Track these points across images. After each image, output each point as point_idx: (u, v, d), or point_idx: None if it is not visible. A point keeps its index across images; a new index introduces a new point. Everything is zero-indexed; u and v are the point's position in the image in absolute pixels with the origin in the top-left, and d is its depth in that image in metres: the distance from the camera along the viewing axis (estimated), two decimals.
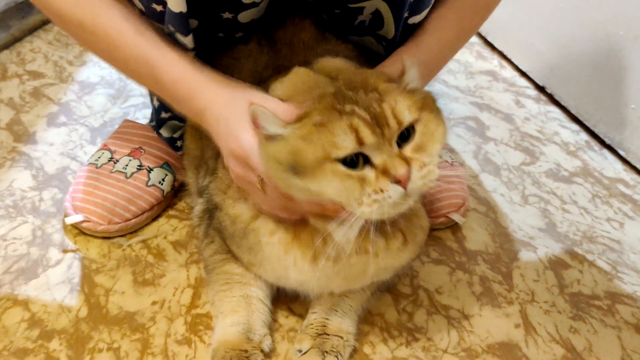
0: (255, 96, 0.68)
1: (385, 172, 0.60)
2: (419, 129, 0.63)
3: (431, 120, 0.64)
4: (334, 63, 0.71)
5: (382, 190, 0.60)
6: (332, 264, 0.71)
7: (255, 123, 0.64)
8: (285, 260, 0.73)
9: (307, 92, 0.65)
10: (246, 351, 0.74)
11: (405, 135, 0.62)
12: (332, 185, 0.61)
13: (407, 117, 0.62)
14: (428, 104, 0.66)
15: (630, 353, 0.86)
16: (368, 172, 0.61)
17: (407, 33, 0.85)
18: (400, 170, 0.59)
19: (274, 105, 0.65)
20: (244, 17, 0.79)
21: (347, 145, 0.60)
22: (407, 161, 0.61)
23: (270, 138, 0.63)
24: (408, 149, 0.62)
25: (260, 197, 0.72)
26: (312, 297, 0.82)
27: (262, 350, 0.76)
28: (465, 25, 0.86)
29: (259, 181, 0.68)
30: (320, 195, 0.62)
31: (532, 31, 1.47)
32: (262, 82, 0.76)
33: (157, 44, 0.73)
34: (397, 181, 0.60)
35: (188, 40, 0.75)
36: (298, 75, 0.67)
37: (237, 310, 0.78)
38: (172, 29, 0.74)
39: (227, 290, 0.80)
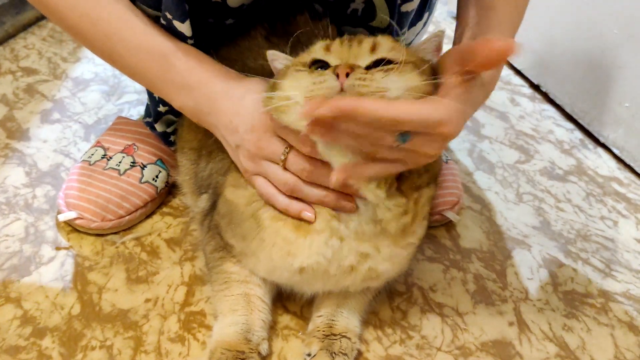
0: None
1: (334, 71, 0.62)
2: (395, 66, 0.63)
3: (410, 72, 0.63)
4: None
5: (319, 77, 0.61)
6: (339, 243, 0.70)
7: (273, 66, 0.73)
8: (293, 244, 0.71)
9: None
10: (243, 352, 0.73)
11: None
12: (294, 81, 0.65)
13: (383, 51, 0.65)
14: (421, 68, 0.65)
15: (623, 351, 0.86)
16: (322, 71, 0.64)
17: (400, 21, 0.85)
18: (342, 69, 0.60)
19: None
20: (233, 1, 0.80)
21: (316, 52, 0.68)
22: (357, 69, 0.61)
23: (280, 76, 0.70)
24: (375, 71, 0.62)
25: (273, 176, 0.71)
26: (307, 293, 0.81)
27: (259, 353, 0.75)
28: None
29: (284, 152, 0.70)
30: (287, 88, 0.65)
31: (526, 29, 1.47)
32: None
33: (166, 34, 0.76)
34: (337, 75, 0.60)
35: (185, 27, 0.76)
36: None
37: (236, 309, 0.77)
38: (169, 16, 0.74)
39: (226, 289, 0.79)
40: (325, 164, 0.68)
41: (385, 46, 0.66)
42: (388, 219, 0.71)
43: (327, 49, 0.67)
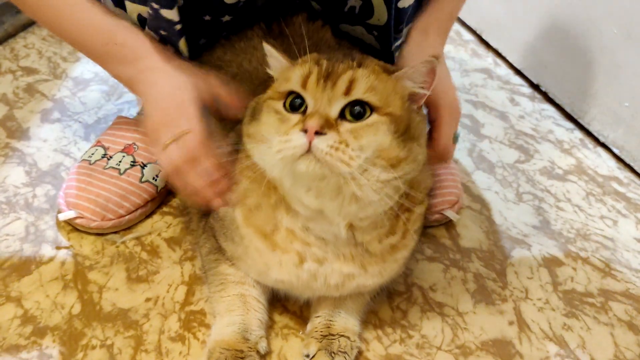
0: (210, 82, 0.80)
1: (303, 122, 0.61)
2: (373, 118, 0.63)
3: (383, 134, 0.63)
4: None
5: (287, 134, 0.61)
6: (317, 266, 0.71)
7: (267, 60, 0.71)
8: (266, 256, 0.73)
9: None
10: (242, 351, 0.73)
11: (361, 115, 0.62)
12: (267, 120, 0.66)
13: (359, 92, 0.62)
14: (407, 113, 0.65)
15: (623, 350, 0.86)
16: (293, 117, 0.63)
17: (397, 18, 0.86)
18: (311, 122, 0.59)
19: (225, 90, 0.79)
20: None
21: (293, 82, 0.65)
22: (329, 125, 0.60)
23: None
24: (346, 124, 0.62)
25: (188, 176, 0.78)
26: (300, 298, 0.81)
27: (257, 352, 0.75)
28: None
29: (180, 133, 0.76)
30: (260, 130, 0.67)
31: (526, 29, 1.48)
32: None
33: (108, 12, 0.81)
34: (305, 131, 0.60)
35: (173, 14, 0.77)
36: None
37: (233, 310, 0.77)
38: (155, 6, 0.75)
39: (222, 290, 0.79)
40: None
41: (363, 84, 0.63)
42: (368, 241, 0.71)
43: (304, 83, 0.64)
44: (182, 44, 0.85)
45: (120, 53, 0.82)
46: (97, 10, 0.80)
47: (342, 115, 0.62)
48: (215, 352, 0.73)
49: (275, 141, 0.62)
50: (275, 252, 0.72)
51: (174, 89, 0.79)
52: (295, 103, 0.64)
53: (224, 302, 0.78)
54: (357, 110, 0.62)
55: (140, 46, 0.81)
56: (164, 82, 0.80)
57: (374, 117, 0.62)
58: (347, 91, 0.62)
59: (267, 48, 0.70)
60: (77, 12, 0.80)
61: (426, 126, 0.72)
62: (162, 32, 0.83)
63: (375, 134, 0.62)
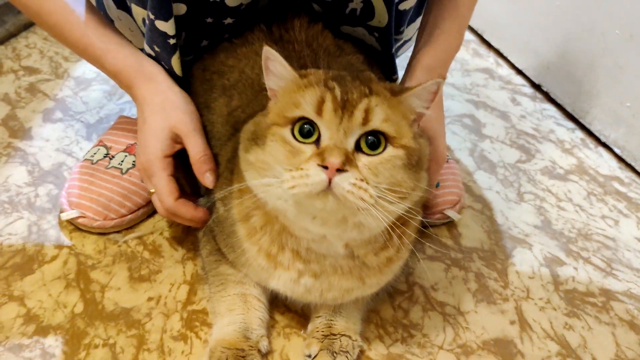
0: (177, 114, 0.81)
1: (321, 155, 0.58)
2: (389, 152, 0.61)
3: (401, 169, 0.62)
4: None
5: (302, 168, 0.58)
6: (313, 281, 0.71)
7: (266, 65, 0.66)
8: (267, 271, 0.73)
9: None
10: (243, 350, 0.73)
11: (374, 147, 0.61)
12: (274, 150, 0.61)
13: (376, 122, 0.60)
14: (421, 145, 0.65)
15: (624, 349, 0.86)
16: (307, 148, 0.60)
17: (398, 19, 0.86)
18: (332, 159, 0.57)
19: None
20: (232, 0, 0.81)
21: (304, 108, 0.60)
22: (349, 161, 0.58)
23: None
24: (363, 158, 0.60)
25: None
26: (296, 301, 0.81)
27: (259, 351, 0.75)
28: (464, 13, 0.90)
29: (150, 193, 0.83)
30: (266, 161, 0.63)
31: (528, 29, 1.48)
32: None
33: (102, 34, 0.82)
34: (325, 168, 0.57)
35: (169, 27, 0.78)
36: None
37: (233, 309, 0.78)
38: (151, 16, 0.76)
39: (222, 290, 0.80)
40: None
41: (379, 114, 0.60)
42: (364, 254, 0.70)
43: (319, 110, 0.60)
44: (174, 61, 0.84)
45: (113, 78, 0.86)
46: (89, 31, 0.82)
47: (356, 146, 0.60)
48: (217, 351, 0.73)
49: (287, 175, 0.59)
50: (277, 270, 0.72)
51: (153, 139, 0.81)
52: (304, 129, 0.61)
53: (224, 302, 0.79)
54: (371, 140, 0.60)
55: (128, 73, 0.83)
56: (150, 122, 0.82)
57: (391, 151, 0.61)
58: (364, 122, 0.60)
59: (271, 52, 0.65)
60: (72, 33, 0.82)
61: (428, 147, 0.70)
62: (156, 48, 0.83)
63: (392, 169, 0.61)
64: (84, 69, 1.32)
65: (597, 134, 1.31)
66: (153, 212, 0.98)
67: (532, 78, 1.49)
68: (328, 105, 0.60)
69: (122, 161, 0.96)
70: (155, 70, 0.84)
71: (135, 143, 0.99)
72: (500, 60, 1.57)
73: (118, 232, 0.94)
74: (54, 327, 0.79)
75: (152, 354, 0.77)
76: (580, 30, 1.32)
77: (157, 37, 0.80)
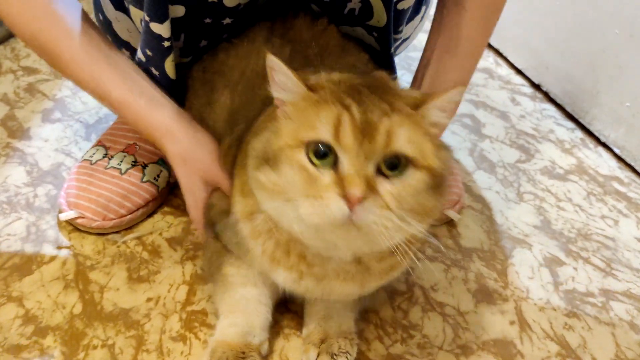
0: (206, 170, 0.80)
1: (340, 183, 0.55)
2: (413, 176, 0.58)
3: (429, 184, 0.59)
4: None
5: (322, 197, 0.55)
6: (315, 284, 0.71)
7: (271, 75, 0.61)
8: (270, 269, 0.72)
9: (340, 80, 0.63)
10: (243, 353, 0.73)
11: (395, 167, 0.57)
12: (289, 175, 0.58)
13: (399, 144, 0.56)
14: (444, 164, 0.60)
15: (624, 350, 0.86)
16: (325, 175, 0.56)
17: (397, 18, 0.85)
18: (354, 189, 0.54)
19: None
20: (230, 1, 0.80)
21: (320, 131, 0.56)
22: (371, 188, 0.55)
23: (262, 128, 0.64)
24: (385, 184, 0.57)
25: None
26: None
27: (259, 353, 0.75)
28: (488, 26, 0.88)
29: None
30: (280, 185, 0.59)
31: (527, 29, 1.47)
32: None
33: (103, 63, 0.79)
34: (346, 199, 0.54)
35: (163, 29, 0.77)
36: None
37: (235, 312, 0.77)
38: (147, 18, 0.75)
39: (225, 292, 0.79)
40: None
41: (402, 136, 0.56)
42: (369, 260, 0.70)
43: (336, 133, 0.56)
44: (168, 64, 0.84)
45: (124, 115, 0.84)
46: (96, 70, 0.79)
47: (377, 168, 0.57)
48: (218, 351, 0.73)
49: (304, 202, 0.57)
50: (279, 269, 0.71)
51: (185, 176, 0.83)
52: (320, 151, 0.57)
53: (227, 303, 0.78)
54: (393, 162, 0.57)
55: (141, 120, 0.82)
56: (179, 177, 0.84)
57: (414, 174, 0.58)
58: (386, 145, 0.56)
59: (275, 62, 0.60)
60: (80, 72, 0.80)
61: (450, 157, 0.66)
62: (148, 53, 0.83)
63: (415, 194, 0.58)
64: None
65: (596, 133, 1.31)
66: (152, 213, 0.97)
67: (531, 78, 1.49)
68: (346, 129, 0.56)
69: (121, 161, 0.96)
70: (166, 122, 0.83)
71: (134, 143, 0.99)
72: (500, 60, 1.57)
73: (117, 232, 0.93)
74: (52, 328, 0.79)
75: (151, 355, 0.77)
76: (580, 29, 1.32)
77: (151, 39, 0.79)
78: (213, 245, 0.82)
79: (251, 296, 0.78)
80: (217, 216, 0.80)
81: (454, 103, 0.61)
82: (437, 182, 0.60)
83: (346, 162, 0.56)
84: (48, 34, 0.77)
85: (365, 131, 0.56)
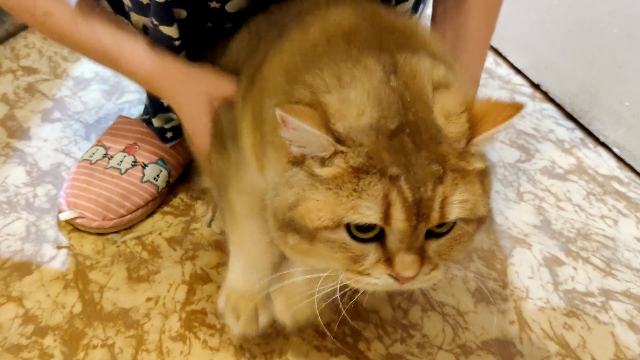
0: (210, 84, 0.75)
1: (389, 260, 0.51)
2: (461, 230, 0.53)
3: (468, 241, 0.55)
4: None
5: (369, 275, 0.52)
6: None
7: (284, 126, 0.50)
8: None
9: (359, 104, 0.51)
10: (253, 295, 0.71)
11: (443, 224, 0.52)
12: (326, 251, 0.52)
13: (454, 215, 0.50)
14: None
15: (623, 349, 0.86)
16: (371, 252, 0.52)
17: None
18: (408, 272, 0.51)
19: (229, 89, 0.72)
20: (231, 6, 0.80)
21: (367, 215, 0.49)
22: (421, 260, 0.51)
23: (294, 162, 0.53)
24: (434, 245, 0.53)
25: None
26: None
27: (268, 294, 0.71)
28: (491, 20, 0.87)
29: None
30: (315, 253, 0.54)
31: (527, 29, 1.47)
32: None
33: (112, 33, 0.77)
34: (397, 278, 0.52)
35: (173, 31, 0.77)
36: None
37: (249, 254, 0.73)
38: (155, 22, 0.75)
39: (234, 224, 0.73)
40: None
41: (457, 205, 0.50)
42: None
43: (386, 216, 0.49)
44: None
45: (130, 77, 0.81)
46: (98, 31, 0.77)
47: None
48: (232, 298, 0.72)
49: (349, 275, 0.53)
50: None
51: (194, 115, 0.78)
52: (364, 227, 0.50)
53: (240, 240, 0.74)
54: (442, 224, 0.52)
55: (146, 72, 0.78)
56: (183, 107, 0.79)
57: (463, 228, 0.53)
58: (441, 217, 0.50)
59: (291, 120, 0.49)
60: (81, 34, 0.77)
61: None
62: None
63: (461, 245, 0.55)
64: (83, 69, 1.31)
65: (596, 133, 1.31)
66: (152, 213, 0.97)
67: (531, 77, 1.48)
68: (397, 212, 0.48)
69: (121, 161, 0.96)
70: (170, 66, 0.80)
71: (134, 143, 0.99)
72: (499, 60, 1.56)
73: (117, 232, 0.93)
74: (52, 328, 0.79)
75: (151, 355, 0.77)
76: (579, 29, 1.32)
77: (162, 40, 0.79)
78: (222, 160, 0.76)
79: (263, 239, 0.72)
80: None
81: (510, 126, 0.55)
82: (482, 226, 0.56)
83: (397, 240, 0.51)
84: None
85: (420, 211, 0.49)
